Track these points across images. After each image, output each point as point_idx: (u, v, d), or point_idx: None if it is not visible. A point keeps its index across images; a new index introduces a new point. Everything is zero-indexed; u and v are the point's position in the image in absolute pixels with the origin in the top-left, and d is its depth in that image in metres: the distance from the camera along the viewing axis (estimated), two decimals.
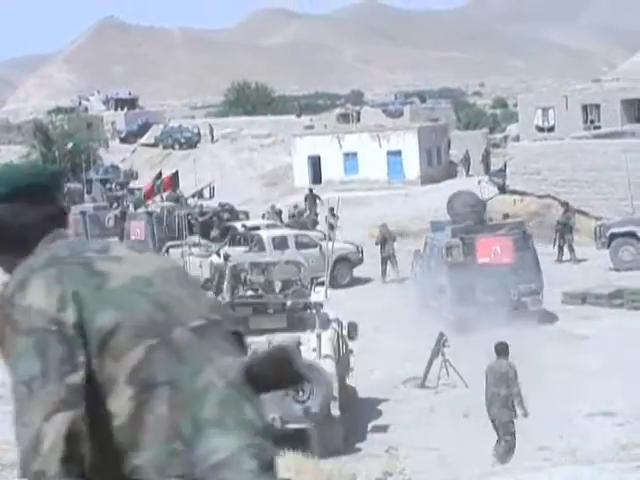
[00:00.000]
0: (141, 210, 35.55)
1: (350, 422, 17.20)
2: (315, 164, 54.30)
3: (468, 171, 53.45)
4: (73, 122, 65.23)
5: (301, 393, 16.12)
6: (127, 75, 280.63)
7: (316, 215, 39.60)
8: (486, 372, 14.62)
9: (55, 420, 1.43)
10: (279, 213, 39.42)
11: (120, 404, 1.47)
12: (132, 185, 51.01)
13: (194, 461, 1.44)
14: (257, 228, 32.27)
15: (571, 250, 31.61)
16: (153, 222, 34.02)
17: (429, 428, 17.02)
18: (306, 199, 42.34)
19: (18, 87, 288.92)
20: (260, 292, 19.04)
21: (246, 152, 63.19)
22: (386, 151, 53.06)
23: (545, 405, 15.71)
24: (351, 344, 18.83)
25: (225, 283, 19.86)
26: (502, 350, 14.55)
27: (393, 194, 47.91)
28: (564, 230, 31.76)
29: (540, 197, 38.05)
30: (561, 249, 31.70)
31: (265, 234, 30.64)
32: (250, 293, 18.97)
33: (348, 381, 18.88)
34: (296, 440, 15.28)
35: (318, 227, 36.62)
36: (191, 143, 66.47)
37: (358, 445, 16.72)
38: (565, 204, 33.10)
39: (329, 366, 16.37)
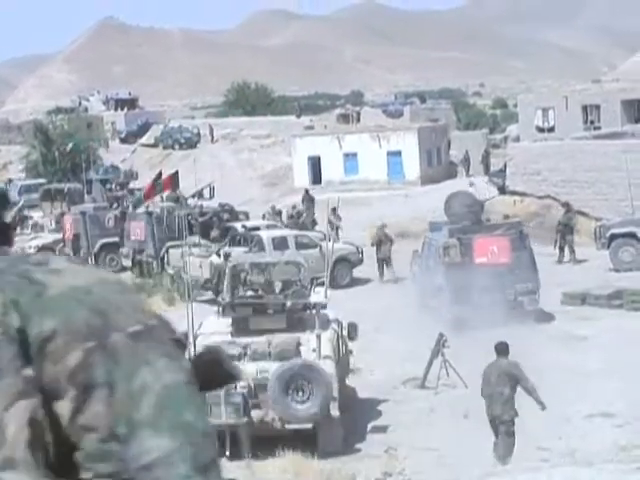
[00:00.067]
0: (141, 210, 35.54)
1: (350, 422, 17.21)
2: (315, 164, 54.31)
3: (468, 171, 53.46)
4: (73, 122, 65.22)
5: (301, 393, 16.14)
6: (127, 75, 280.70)
7: (313, 215, 39.59)
8: (485, 371, 14.62)
9: (16, 407, 1.47)
10: (279, 213, 39.43)
11: (62, 406, 1.52)
12: (132, 185, 51.02)
13: (127, 461, 1.46)
14: (257, 228, 32.27)
15: (571, 251, 31.63)
16: (153, 222, 34.02)
17: (429, 428, 17.03)
18: (303, 200, 42.35)
19: (18, 87, 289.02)
20: (260, 292, 19.05)
21: (246, 152, 63.21)
22: (386, 151, 53.07)
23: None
24: (351, 345, 18.85)
25: (225, 283, 19.87)
26: (502, 350, 14.57)
27: (393, 194, 47.91)
28: (565, 231, 31.78)
29: (540, 198, 38.06)
30: (562, 250, 31.73)
31: (265, 234, 30.65)
32: (250, 293, 18.97)
33: (348, 381, 18.90)
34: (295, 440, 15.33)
35: (317, 227, 36.61)
36: (191, 143, 66.48)
37: (358, 445, 16.73)
38: (566, 204, 33.13)
39: (329, 367, 16.37)
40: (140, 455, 1.46)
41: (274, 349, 16.49)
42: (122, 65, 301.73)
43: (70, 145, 56.51)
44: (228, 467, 15.38)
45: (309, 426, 16.24)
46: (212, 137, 67.05)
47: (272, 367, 16.18)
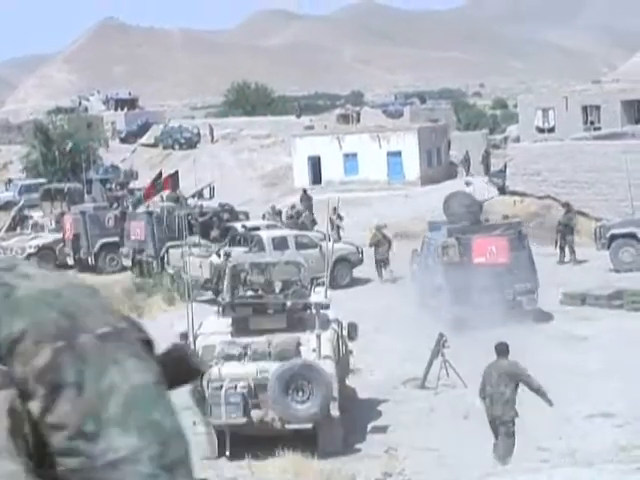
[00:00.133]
0: (141, 210, 35.54)
1: (350, 422, 17.21)
2: (315, 165, 54.31)
3: (468, 172, 53.44)
4: (73, 122, 65.15)
5: (301, 393, 16.14)
6: (127, 76, 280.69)
7: (301, 215, 39.54)
8: (485, 372, 14.59)
9: None
10: (279, 213, 39.42)
11: (31, 405, 1.54)
12: (132, 185, 50.99)
13: (94, 458, 1.49)
14: (257, 228, 32.28)
15: (572, 251, 31.64)
16: (153, 222, 34.02)
17: (429, 429, 17.03)
18: (301, 200, 42.32)
19: (18, 87, 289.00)
20: (260, 292, 19.04)
21: (246, 152, 63.20)
22: (386, 152, 53.06)
23: (544, 406, 15.71)
24: (351, 345, 18.84)
25: (225, 283, 19.87)
26: (502, 350, 14.55)
27: (393, 195, 47.92)
28: (565, 231, 31.79)
29: (540, 198, 38.06)
30: (562, 250, 31.74)
31: (265, 234, 30.65)
32: (250, 293, 18.97)
33: (348, 382, 18.89)
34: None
35: (316, 227, 36.59)
36: (191, 143, 66.47)
37: (358, 445, 16.73)
38: (566, 205, 33.13)
39: (329, 367, 16.37)
40: (107, 452, 1.48)
41: (274, 349, 16.48)
42: (122, 65, 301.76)
43: (69, 145, 56.47)
44: (228, 467, 15.40)
45: (309, 426, 16.24)
46: (212, 137, 67.04)
47: (272, 367, 16.17)
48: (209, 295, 27.87)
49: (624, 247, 29.88)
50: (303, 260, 20.53)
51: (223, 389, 16.14)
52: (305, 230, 34.64)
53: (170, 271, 31.35)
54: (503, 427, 14.32)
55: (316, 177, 53.98)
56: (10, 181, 56.63)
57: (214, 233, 32.93)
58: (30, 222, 40.27)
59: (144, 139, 70.47)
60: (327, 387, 16.09)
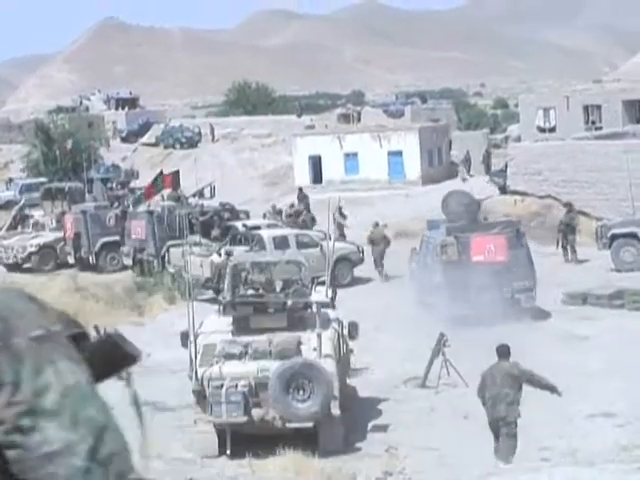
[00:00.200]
0: (142, 209, 35.53)
1: (350, 421, 17.20)
2: (316, 164, 54.28)
3: (469, 171, 53.44)
4: (74, 121, 65.10)
5: (301, 392, 16.13)
6: (128, 75, 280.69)
7: (302, 213, 39.52)
8: (487, 373, 14.52)
9: None
10: (280, 213, 39.41)
11: None
12: (133, 184, 50.98)
13: (29, 450, 1.58)
14: (258, 228, 32.28)
15: (573, 251, 31.63)
16: (154, 221, 34.02)
17: (429, 428, 17.02)
18: (301, 199, 42.29)
19: (19, 87, 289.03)
20: (261, 291, 19.03)
21: (247, 152, 63.18)
22: (387, 151, 53.03)
23: (545, 406, 15.70)
24: (351, 344, 18.83)
25: (226, 282, 19.86)
26: (504, 352, 14.51)
27: (394, 194, 47.91)
28: (567, 230, 31.79)
29: (541, 198, 38.06)
30: (565, 249, 31.76)
31: (266, 234, 30.66)
32: (251, 292, 18.96)
33: (348, 380, 18.88)
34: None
35: (315, 226, 36.57)
36: (192, 143, 66.44)
37: (358, 444, 16.72)
38: (568, 204, 33.12)
39: (329, 365, 16.36)
40: (42, 445, 1.57)
41: (275, 348, 16.47)
42: (122, 65, 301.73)
43: (69, 143, 56.44)
44: (229, 466, 15.39)
45: (310, 425, 16.23)
46: (213, 136, 67.01)
47: (273, 366, 16.16)
48: (210, 294, 27.87)
49: (625, 247, 29.88)
50: (304, 259, 20.52)
51: (224, 388, 16.13)
52: (306, 229, 34.63)
53: (171, 270, 31.35)
54: (505, 428, 14.27)
55: (317, 176, 53.96)
56: (11, 180, 56.63)
57: (215, 232, 32.92)
58: (31, 221, 40.28)
59: (145, 138, 70.45)
60: (328, 386, 16.08)
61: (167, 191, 37.63)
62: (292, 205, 40.80)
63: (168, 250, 32.52)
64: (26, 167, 59.38)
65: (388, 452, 15.57)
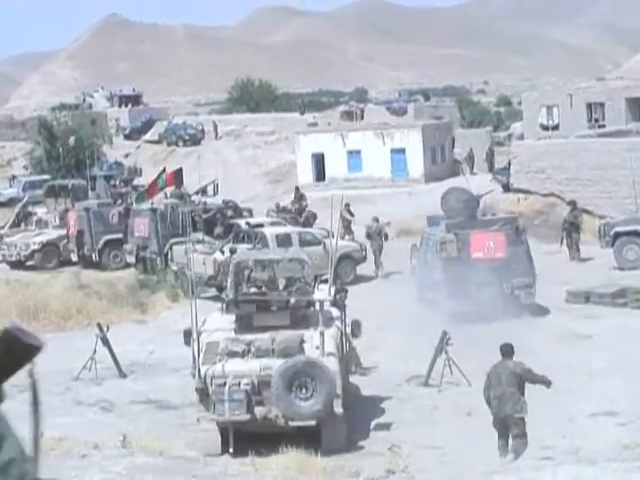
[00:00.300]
0: (145, 207, 35.54)
1: (353, 420, 17.20)
2: (319, 161, 54.26)
3: (472, 169, 53.40)
4: (77, 118, 65.14)
5: (304, 390, 16.13)
6: (131, 72, 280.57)
7: (305, 211, 39.49)
8: (491, 373, 14.50)
9: None
10: (283, 210, 39.40)
11: None
12: (136, 182, 50.99)
13: None
14: (261, 225, 32.29)
15: (576, 249, 31.62)
16: (157, 219, 34.04)
17: (432, 426, 17.03)
18: (297, 199, 42.22)
19: (22, 84, 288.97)
20: (263, 289, 19.03)
21: (250, 149, 63.16)
22: (390, 149, 52.99)
23: (548, 404, 15.71)
24: (354, 342, 18.83)
25: (229, 280, 19.86)
26: (507, 351, 14.50)
27: (397, 192, 47.90)
28: (571, 229, 31.76)
29: (544, 195, 38.03)
30: (570, 247, 31.74)
31: (269, 231, 30.67)
32: (253, 290, 18.96)
33: (351, 379, 18.89)
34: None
35: (316, 224, 36.54)
36: (195, 140, 66.42)
37: (361, 443, 16.72)
38: (572, 203, 33.09)
39: (332, 364, 16.36)
40: None
41: (278, 346, 16.47)
42: (126, 62, 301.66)
43: (72, 140, 56.45)
44: (232, 464, 15.39)
45: (312, 423, 16.23)
46: (216, 134, 66.99)
47: (276, 364, 16.17)
48: (213, 292, 27.88)
49: (628, 245, 29.85)
50: (307, 257, 20.52)
51: (226, 386, 16.14)
52: (308, 227, 34.63)
53: (174, 268, 31.36)
54: (516, 427, 14.23)
55: (320, 174, 53.94)
56: (14, 177, 56.65)
57: (218, 230, 32.93)
58: (34, 218, 40.31)
59: (148, 136, 70.43)
60: (331, 384, 16.08)
61: (170, 189, 37.62)
62: (293, 202, 40.82)
63: (171, 248, 32.53)
64: (29, 164, 59.41)
65: (391, 450, 15.56)
